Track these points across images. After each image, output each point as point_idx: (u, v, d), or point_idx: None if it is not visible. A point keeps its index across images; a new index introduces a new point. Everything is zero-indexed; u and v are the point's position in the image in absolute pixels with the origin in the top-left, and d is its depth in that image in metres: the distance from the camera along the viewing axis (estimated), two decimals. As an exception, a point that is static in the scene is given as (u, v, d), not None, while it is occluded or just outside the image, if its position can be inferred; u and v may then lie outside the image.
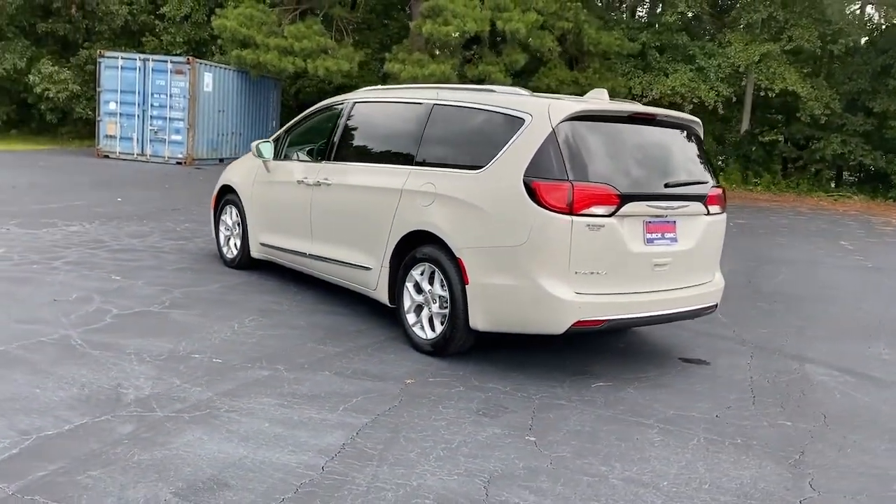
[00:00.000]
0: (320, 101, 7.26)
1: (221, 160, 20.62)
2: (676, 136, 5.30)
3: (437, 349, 5.12)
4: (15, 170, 15.59)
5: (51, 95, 21.74)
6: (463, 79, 21.84)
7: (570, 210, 4.53)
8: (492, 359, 5.20)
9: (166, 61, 19.19)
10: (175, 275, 7.03)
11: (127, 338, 5.10)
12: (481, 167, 4.94)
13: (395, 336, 5.53)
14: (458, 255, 4.92)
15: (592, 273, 4.66)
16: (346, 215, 5.93)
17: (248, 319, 5.75)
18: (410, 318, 5.34)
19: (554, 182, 4.57)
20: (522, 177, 4.66)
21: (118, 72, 19.16)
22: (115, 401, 4.06)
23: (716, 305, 5.45)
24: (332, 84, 24.19)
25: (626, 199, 4.70)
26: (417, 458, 3.63)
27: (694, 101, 21.73)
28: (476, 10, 20.35)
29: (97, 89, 19.67)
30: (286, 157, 6.83)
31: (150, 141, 19.28)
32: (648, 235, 4.87)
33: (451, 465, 3.59)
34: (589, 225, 4.58)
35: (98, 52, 19.83)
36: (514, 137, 4.81)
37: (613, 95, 20.33)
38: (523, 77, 22.93)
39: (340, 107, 6.43)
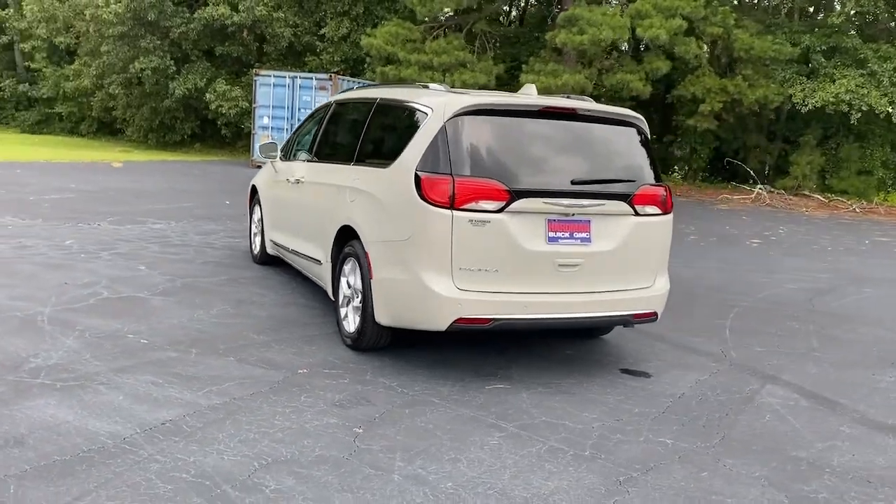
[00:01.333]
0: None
1: (364, 171, 21.61)
2: (605, 132, 5.00)
3: (355, 343, 5.17)
4: (167, 175, 17.31)
5: (224, 111, 23.82)
6: (600, 88, 21.40)
7: (452, 205, 4.44)
8: (414, 356, 5.15)
9: (311, 78, 20.46)
10: (197, 267, 7.55)
11: (88, 317, 5.59)
12: (392, 162, 4.94)
13: (338, 331, 5.62)
14: (366, 249, 4.95)
15: (480, 270, 4.51)
16: (308, 211, 6.14)
17: (217, 308, 6.08)
18: (342, 311, 5.42)
19: (437, 176, 4.49)
20: (414, 171, 4.62)
21: (271, 89, 20.69)
22: (15, 368, 4.49)
23: (655, 314, 5.05)
24: (480, 97, 24.54)
25: (517, 194, 4.51)
26: (222, 439, 3.73)
27: (862, 108, 19.76)
28: (615, 17, 19.86)
29: (253, 105, 21.33)
30: (294, 158, 7.14)
31: (296, 152, 20.59)
32: (551, 234, 4.63)
33: (246, 447, 3.65)
34: (472, 220, 4.45)
35: (254, 70, 21.51)
36: (416, 132, 4.78)
37: (767, 104, 18.94)
38: (667, 86, 22.06)
39: (326, 107, 6.65)
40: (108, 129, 30.33)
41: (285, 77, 20.67)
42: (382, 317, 4.84)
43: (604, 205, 4.75)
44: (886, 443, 4.21)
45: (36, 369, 4.48)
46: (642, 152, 5.08)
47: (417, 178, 4.56)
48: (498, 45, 23.48)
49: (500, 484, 3.45)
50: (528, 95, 5.07)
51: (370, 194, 5.02)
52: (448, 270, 4.49)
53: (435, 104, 4.75)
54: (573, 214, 4.68)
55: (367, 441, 3.81)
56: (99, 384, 4.32)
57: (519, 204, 4.52)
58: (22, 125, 32.24)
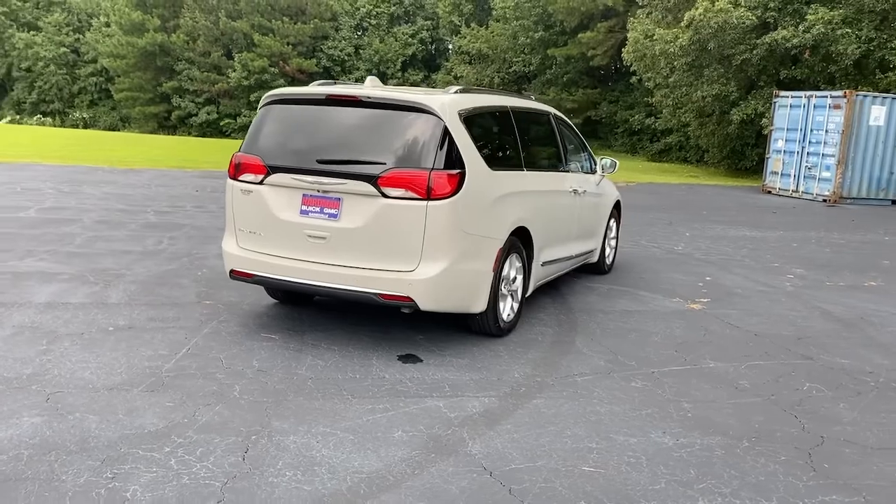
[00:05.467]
0: None
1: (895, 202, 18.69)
2: (387, 118, 5.15)
3: (270, 293, 6.46)
4: (631, 195, 18.47)
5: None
6: None
7: (234, 175, 5.52)
8: (293, 311, 6.17)
9: (826, 97, 18.64)
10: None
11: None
12: None
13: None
14: None
15: (251, 232, 5.45)
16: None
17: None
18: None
19: (235, 153, 5.60)
20: (244, 151, 5.78)
21: (787, 110, 19.61)
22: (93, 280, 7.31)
23: (411, 299, 4.99)
24: None
25: (273, 169, 5.30)
26: (52, 313, 5.81)
27: None
28: None
29: (769, 127, 20.47)
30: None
31: (804, 177, 19.07)
32: (303, 207, 5.23)
33: (40, 316, 5.65)
34: (241, 189, 5.45)
35: (774, 92, 20.56)
36: None
37: None
38: None
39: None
40: (696, 155, 32.08)
41: (801, 97, 19.33)
42: (239, 269, 6.02)
43: (345, 184, 5.04)
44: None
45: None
46: (424, 138, 5.03)
47: (236, 155, 5.70)
48: None
49: (74, 372, 4.66)
50: (358, 86, 5.52)
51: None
52: (233, 230, 5.55)
53: (274, 95, 5.77)
54: (321, 191, 5.14)
55: (101, 334, 5.36)
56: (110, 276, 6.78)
57: (274, 178, 5.28)
58: (647, 154, 36.38)
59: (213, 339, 5.35)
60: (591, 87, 40.77)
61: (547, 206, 6.35)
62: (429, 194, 4.91)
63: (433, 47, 53.44)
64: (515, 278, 5.86)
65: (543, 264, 6.35)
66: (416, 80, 51.35)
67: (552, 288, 7.40)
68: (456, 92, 5.54)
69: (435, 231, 4.95)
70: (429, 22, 52.00)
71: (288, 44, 49.59)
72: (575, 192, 6.96)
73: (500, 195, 5.51)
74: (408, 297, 4.99)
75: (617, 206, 8.51)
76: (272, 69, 48.45)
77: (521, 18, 41.21)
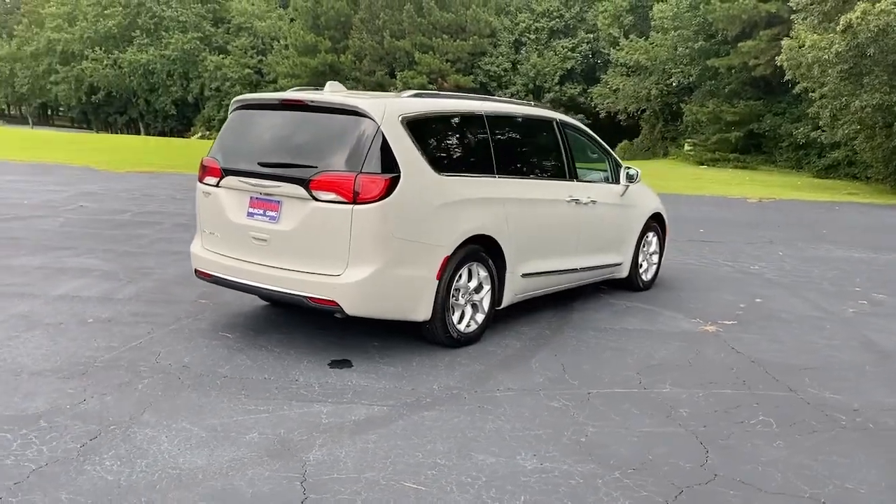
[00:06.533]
0: None
1: None
2: (330, 121, 5.14)
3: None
4: (768, 212, 17.17)
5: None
6: None
7: (200, 179, 5.75)
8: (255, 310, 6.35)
9: None
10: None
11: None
12: None
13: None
14: None
15: (212, 234, 5.65)
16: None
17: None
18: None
19: (203, 158, 5.83)
20: (223, 155, 5.99)
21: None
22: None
23: (337, 304, 4.95)
24: None
25: (226, 172, 5.46)
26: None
27: None
28: None
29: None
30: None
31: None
32: (250, 209, 5.34)
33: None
34: (203, 192, 5.66)
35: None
36: None
37: None
38: None
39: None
40: (866, 172, 29.34)
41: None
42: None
43: (280, 187, 5.09)
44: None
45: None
46: (357, 141, 4.98)
47: (212, 159, 5.90)
48: None
49: (16, 357, 5.05)
50: (316, 91, 5.55)
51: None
52: (200, 231, 5.77)
53: (248, 102, 5.94)
54: (264, 194, 5.23)
55: (77, 325, 5.74)
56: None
57: (227, 181, 5.43)
58: (813, 170, 33.79)
59: (171, 335, 5.56)
60: (755, 99, 38.42)
61: (529, 214, 6.07)
62: (355, 198, 4.86)
63: (593, 60, 52.58)
64: (480, 288, 5.65)
65: (525, 276, 6.07)
66: (574, 94, 50.86)
67: (563, 301, 7.07)
68: (410, 96, 5.46)
69: (362, 235, 4.88)
70: (590, 35, 51.34)
71: (447, 61, 50.76)
72: (577, 201, 6.60)
73: (451, 201, 5.34)
74: (333, 302, 4.95)
75: (657, 218, 7.98)
76: (431, 86, 49.69)
77: (681, 28, 39.69)
